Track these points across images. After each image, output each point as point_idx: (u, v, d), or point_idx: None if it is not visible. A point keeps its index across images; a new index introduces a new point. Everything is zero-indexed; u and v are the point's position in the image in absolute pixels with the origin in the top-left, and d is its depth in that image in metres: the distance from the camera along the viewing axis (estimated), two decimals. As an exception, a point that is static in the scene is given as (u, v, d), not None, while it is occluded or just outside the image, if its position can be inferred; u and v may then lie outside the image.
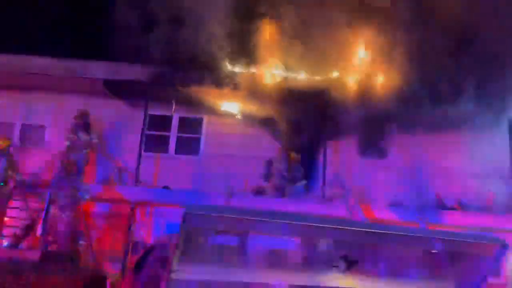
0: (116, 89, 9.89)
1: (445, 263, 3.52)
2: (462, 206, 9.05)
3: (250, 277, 2.86)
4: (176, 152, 10.60)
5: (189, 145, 10.65)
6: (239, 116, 10.62)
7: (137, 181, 9.19)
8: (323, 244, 3.42)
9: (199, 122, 10.78)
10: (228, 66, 9.72)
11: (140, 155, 9.34)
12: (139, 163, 9.31)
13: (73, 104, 10.15)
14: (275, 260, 3.19)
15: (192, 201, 9.00)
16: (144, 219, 9.24)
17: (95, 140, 9.38)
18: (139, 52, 9.59)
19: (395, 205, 9.13)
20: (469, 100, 9.11)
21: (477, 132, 9.56)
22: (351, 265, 3.18)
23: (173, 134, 10.69)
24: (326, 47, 9.51)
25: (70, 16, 10.33)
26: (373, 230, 3.16)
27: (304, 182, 9.66)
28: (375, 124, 9.83)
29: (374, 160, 9.97)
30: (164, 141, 10.71)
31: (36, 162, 9.64)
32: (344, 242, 3.37)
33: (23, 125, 10.68)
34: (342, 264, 3.17)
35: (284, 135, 10.37)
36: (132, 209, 8.83)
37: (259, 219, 2.96)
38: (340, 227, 3.15)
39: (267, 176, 9.89)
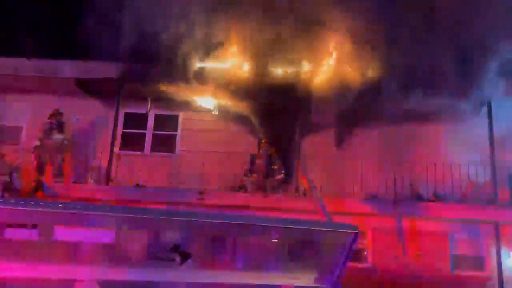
0: (88, 87, 9.85)
1: (303, 251, 3.42)
2: (438, 197, 8.86)
3: (52, 273, 2.74)
4: (152, 150, 10.55)
5: (165, 143, 10.59)
6: (215, 112, 10.53)
7: (108, 179, 9.13)
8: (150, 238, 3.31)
9: (175, 119, 10.72)
10: (198, 61, 9.61)
11: (111, 153, 9.28)
12: (110, 162, 9.25)
13: (51, 104, 10.20)
14: (83, 254, 3.07)
15: (164, 199, 8.99)
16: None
17: (66, 141, 9.40)
18: (110, 50, 9.57)
19: (370, 198, 8.98)
20: (445, 87, 8.94)
21: (455, 120, 9.40)
22: (184, 258, 3.06)
23: (149, 132, 10.64)
24: (297, 40, 9.39)
25: (40, 16, 10.26)
26: (200, 220, 3.01)
27: (282, 176, 9.59)
28: (350, 116, 9.65)
29: (349, 153, 9.80)
30: (141, 139, 10.68)
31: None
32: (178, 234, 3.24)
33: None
34: (177, 258, 3.06)
35: (261, 130, 10.27)
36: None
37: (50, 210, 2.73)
38: (162, 217, 2.98)
39: (249, 171, 9.80)
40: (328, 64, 9.76)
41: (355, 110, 9.52)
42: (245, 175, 9.81)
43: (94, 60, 9.62)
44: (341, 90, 9.24)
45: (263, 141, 9.96)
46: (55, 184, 9.16)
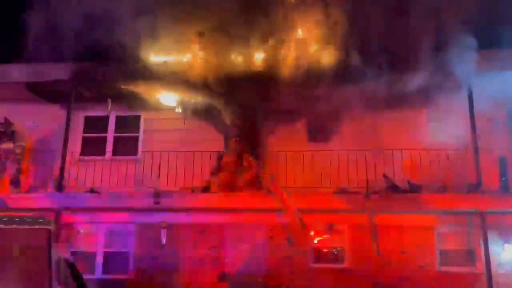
0: (40, 91, 9.36)
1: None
2: (413, 188, 8.05)
3: None
4: (114, 154, 9.98)
5: (127, 145, 10.02)
6: (178, 110, 9.92)
7: (60, 187, 8.58)
8: None
9: (136, 120, 10.16)
10: (152, 56, 9.01)
11: (63, 160, 8.73)
12: (62, 169, 8.70)
13: (6, 112, 9.78)
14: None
15: (115, 204, 8.42)
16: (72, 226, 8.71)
17: (18, 150, 8.93)
18: (61, 51, 9.07)
19: (341, 192, 8.22)
20: (421, 69, 8.14)
21: (432, 104, 8.60)
22: None
23: (109, 134, 10.09)
24: (261, 25, 8.72)
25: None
26: None
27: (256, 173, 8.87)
28: (320, 105, 8.91)
29: (321, 144, 9.05)
30: (103, 143, 10.13)
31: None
32: None
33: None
34: None
35: (227, 125, 9.62)
36: (56, 217, 8.25)
37: None
38: None
39: (216, 170, 9.10)
40: (295, 46, 9.04)
41: (326, 96, 8.79)
42: (211, 174, 9.13)
43: (44, 63, 9.10)
44: (311, 74, 8.54)
45: (232, 138, 9.23)
46: (6, 195, 8.69)
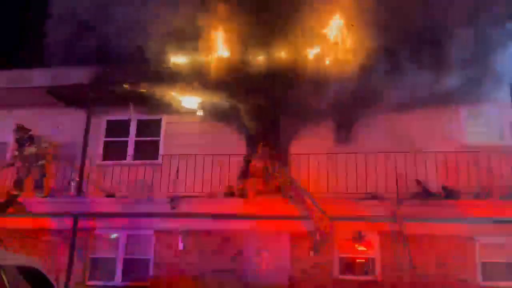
0: (62, 95, 9.34)
1: None
2: (449, 193, 7.31)
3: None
4: (135, 158, 9.81)
5: (148, 149, 9.82)
6: (200, 113, 9.64)
7: (79, 191, 8.47)
8: None
9: (157, 124, 9.95)
10: (174, 57, 8.78)
11: (83, 163, 8.63)
12: (82, 173, 8.60)
13: (32, 117, 9.85)
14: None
15: (134, 209, 8.20)
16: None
17: (41, 154, 8.90)
18: (80, 55, 9.05)
19: (370, 198, 7.61)
20: (455, 65, 7.44)
21: (470, 100, 7.84)
22: None
23: (131, 139, 9.93)
24: (283, 24, 8.30)
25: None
26: None
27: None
28: (346, 105, 8.35)
29: (348, 147, 8.46)
30: (124, 147, 10.00)
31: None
32: None
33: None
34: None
35: (249, 128, 9.23)
36: (75, 221, 8.13)
37: None
38: None
39: (244, 175, 8.71)
40: (321, 45, 8.55)
41: (354, 97, 8.23)
42: (238, 178, 8.73)
43: (64, 66, 9.09)
44: (337, 75, 8.02)
45: (259, 142, 8.79)
46: (30, 199, 8.67)
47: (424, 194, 7.39)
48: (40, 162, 9.03)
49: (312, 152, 8.24)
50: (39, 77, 9.19)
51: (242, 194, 8.33)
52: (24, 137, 8.84)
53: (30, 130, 9.01)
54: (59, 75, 9.12)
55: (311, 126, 8.81)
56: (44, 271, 3.44)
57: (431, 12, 7.85)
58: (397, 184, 7.41)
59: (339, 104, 8.27)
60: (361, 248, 7.88)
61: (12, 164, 8.98)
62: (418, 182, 7.51)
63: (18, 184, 8.89)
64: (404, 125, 8.16)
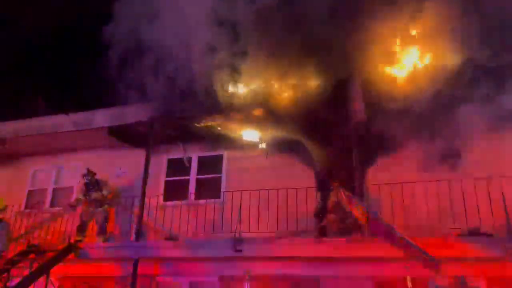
0: (121, 134, 9.13)
1: None
2: None
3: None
4: (197, 197, 9.22)
5: (210, 187, 9.21)
6: (262, 146, 8.92)
7: (138, 234, 7.95)
8: None
9: (219, 160, 9.36)
10: (232, 88, 8.25)
11: (142, 205, 8.15)
12: (141, 215, 8.11)
13: (96, 160, 9.78)
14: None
15: (199, 252, 7.46)
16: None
17: (106, 199, 8.64)
18: (140, 93, 8.84)
19: (472, 235, 6.22)
20: None
21: None
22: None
23: (192, 177, 9.41)
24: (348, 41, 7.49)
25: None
26: None
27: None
28: (430, 126, 7.18)
29: (434, 174, 7.17)
30: (186, 186, 9.48)
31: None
32: None
33: (54, 189, 10.54)
34: None
35: (318, 158, 8.31)
36: (134, 267, 7.55)
37: None
38: None
39: (321, 213, 7.59)
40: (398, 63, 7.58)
41: (435, 116, 7.07)
42: (316, 215, 7.71)
43: (125, 105, 8.94)
44: (414, 93, 6.99)
45: (335, 183, 7.72)
46: (91, 244, 8.30)
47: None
48: (103, 207, 8.78)
49: (393, 181, 7.07)
50: (100, 117, 9.11)
51: (322, 233, 7.28)
52: (92, 181, 8.64)
53: (96, 174, 8.82)
54: (118, 113, 8.99)
55: (390, 151, 7.69)
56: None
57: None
58: (507, 216, 5.98)
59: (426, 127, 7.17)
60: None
61: (74, 207, 8.76)
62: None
63: (81, 228, 8.62)
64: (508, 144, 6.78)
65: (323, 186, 7.89)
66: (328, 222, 7.17)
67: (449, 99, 6.85)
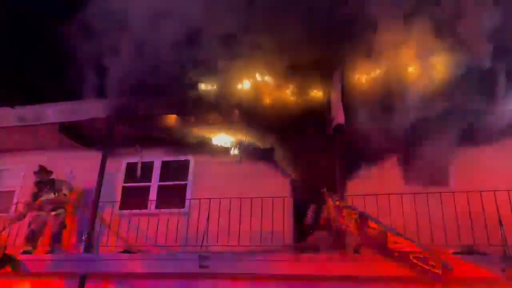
0: (75, 132, 8.08)
1: None
2: None
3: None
4: (159, 206, 8.25)
5: (173, 195, 8.29)
6: (234, 152, 8.14)
7: (88, 247, 6.89)
8: None
9: (184, 165, 8.48)
10: (204, 86, 7.47)
11: (93, 213, 7.11)
12: (92, 224, 7.07)
13: (45, 161, 8.59)
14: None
15: (159, 268, 6.50)
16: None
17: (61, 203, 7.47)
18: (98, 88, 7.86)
19: (465, 252, 5.67)
20: None
21: None
22: None
23: (153, 183, 8.46)
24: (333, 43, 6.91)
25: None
26: None
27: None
28: (416, 133, 6.68)
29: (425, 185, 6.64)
30: (145, 193, 8.51)
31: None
32: None
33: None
34: None
35: (292, 168, 7.64)
36: (81, 283, 6.46)
37: None
38: None
39: (311, 228, 6.80)
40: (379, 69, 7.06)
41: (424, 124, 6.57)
42: (306, 228, 6.88)
43: (80, 100, 7.93)
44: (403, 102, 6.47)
45: (323, 189, 6.96)
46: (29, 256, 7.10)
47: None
48: (58, 211, 7.56)
49: (379, 193, 6.46)
50: (52, 112, 8.01)
51: (315, 249, 6.39)
52: (44, 180, 7.47)
53: (51, 173, 7.67)
54: (72, 109, 7.95)
55: (373, 161, 7.12)
56: None
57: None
58: (502, 232, 5.48)
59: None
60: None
61: (24, 216, 7.52)
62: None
63: (31, 237, 7.36)
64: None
65: (317, 198, 7.15)
66: (318, 238, 6.44)
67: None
